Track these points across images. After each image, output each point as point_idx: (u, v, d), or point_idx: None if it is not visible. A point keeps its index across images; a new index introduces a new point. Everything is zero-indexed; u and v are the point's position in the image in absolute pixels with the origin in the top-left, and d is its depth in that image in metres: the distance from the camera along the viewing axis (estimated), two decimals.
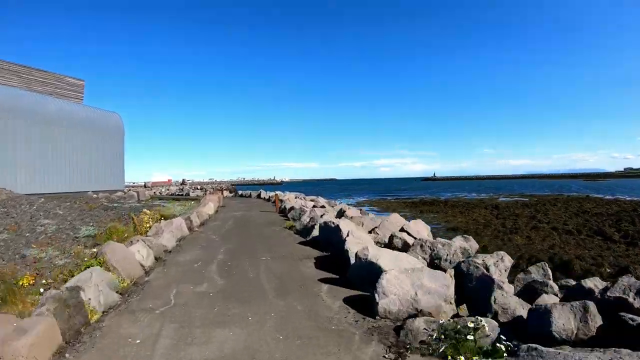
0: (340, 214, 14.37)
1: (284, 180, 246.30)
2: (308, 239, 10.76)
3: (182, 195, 43.80)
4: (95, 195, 25.95)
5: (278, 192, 32.35)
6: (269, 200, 28.97)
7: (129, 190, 35.70)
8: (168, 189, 68.90)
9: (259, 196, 33.27)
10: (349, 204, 28.82)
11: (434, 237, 10.27)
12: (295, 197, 28.05)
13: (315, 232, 10.71)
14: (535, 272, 6.51)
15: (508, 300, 4.84)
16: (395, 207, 40.21)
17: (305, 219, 12.81)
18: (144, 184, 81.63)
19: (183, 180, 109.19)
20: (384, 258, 6.07)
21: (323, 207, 18.07)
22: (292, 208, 16.77)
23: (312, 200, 24.24)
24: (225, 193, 39.46)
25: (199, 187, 76.75)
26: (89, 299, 5.05)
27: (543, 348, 3.10)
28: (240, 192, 38.49)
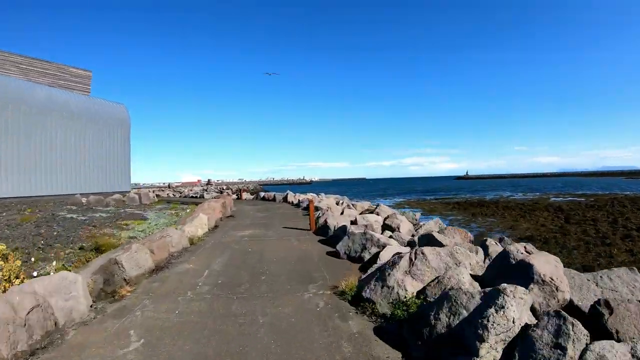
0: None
1: (313, 179, 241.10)
2: None
3: (196, 196, 38.33)
4: (84, 200, 20.49)
5: (311, 195, 25.96)
6: (298, 205, 22.53)
7: (135, 192, 30.32)
8: (191, 189, 64.31)
9: (285, 199, 26.92)
10: (390, 206, 22.94)
11: None
12: (338, 203, 21.62)
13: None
14: None
15: None
16: (439, 208, 35.50)
17: (397, 276, 5.19)
18: (167, 184, 77.69)
19: (209, 180, 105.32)
20: None
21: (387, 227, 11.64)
22: (342, 231, 9.83)
23: (368, 210, 17.75)
24: (245, 195, 33.48)
25: (224, 187, 72.05)
26: None
27: None
28: (262, 194, 32.25)
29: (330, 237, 10.39)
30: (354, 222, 11.93)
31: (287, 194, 27.63)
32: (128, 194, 24.16)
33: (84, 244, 8.76)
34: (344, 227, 9.91)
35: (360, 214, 15.36)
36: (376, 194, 76.27)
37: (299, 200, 24.02)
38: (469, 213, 30.47)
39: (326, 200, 21.77)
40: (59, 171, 23.96)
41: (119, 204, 21.63)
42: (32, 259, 7.29)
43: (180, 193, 52.77)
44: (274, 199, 28.62)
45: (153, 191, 44.95)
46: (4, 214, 12.08)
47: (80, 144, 25.60)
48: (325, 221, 11.58)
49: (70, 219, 12.32)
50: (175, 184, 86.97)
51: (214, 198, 22.16)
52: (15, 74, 25.06)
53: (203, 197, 33.91)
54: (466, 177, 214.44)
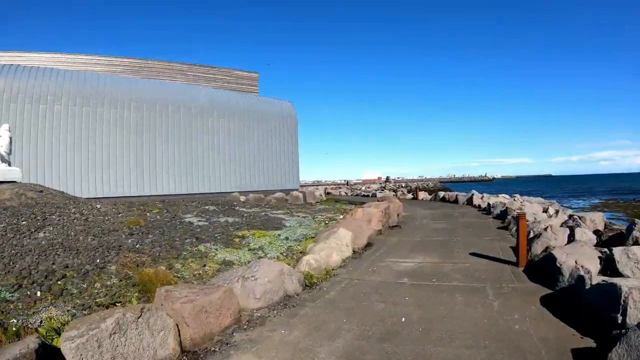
0: None
1: (495, 177, 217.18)
2: None
3: (367, 195, 35.50)
4: (242, 198, 19.64)
5: (506, 198, 19.87)
6: (488, 212, 16.86)
7: (301, 190, 29.28)
8: (368, 187, 62.72)
9: (470, 202, 21.34)
10: None
11: None
12: (546, 210, 15.39)
13: None
14: None
15: None
16: None
17: None
18: (346, 181, 78.71)
19: (387, 177, 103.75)
20: None
21: None
22: (603, 296, 4.21)
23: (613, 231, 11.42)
24: (422, 194, 28.85)
25: (403, 184, 68.48)
26: None
27: None
28: (442, 193, 27.04)
29: (562, 291, 5.34)
30: (607, 260, 6.36)
31: (472, 194, 21.94)
32: (292, 193, 22.60)
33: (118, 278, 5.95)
34: (609, 288, 4.57)
35: (600, 235, 9.34)
36: (576, 196, 61.26)
37: (488, 204, 18.24)
38: None
39: (529, 207, 15.63)
40: (220, 169, 24.16)
41: (280, 202, 20.10)
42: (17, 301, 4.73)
43: (353, 190, 51.46)
44: (455, 201, 23.25)
45: (325, 189, 44.35)
46: (120, 214, 10.71)
47: (243, 142, 25.50)
48: (547, 251, 6.46)
49: (187, 224, 10.26)
50: (354, 181, 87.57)
51: (379, 200, 18.40)
52: (181, 80, 26.59)
53: (375, 196, 30.75)
54: None
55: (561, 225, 9.61)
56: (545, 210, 15.45)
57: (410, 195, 31.04)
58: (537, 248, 7.83)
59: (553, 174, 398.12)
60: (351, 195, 38.93)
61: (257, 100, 28.33)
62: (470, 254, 8.26)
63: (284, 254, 7.89)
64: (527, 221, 8.42)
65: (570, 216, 12.77)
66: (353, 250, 8.33)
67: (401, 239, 10.28)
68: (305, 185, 51.69)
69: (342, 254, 7.57)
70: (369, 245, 9.37)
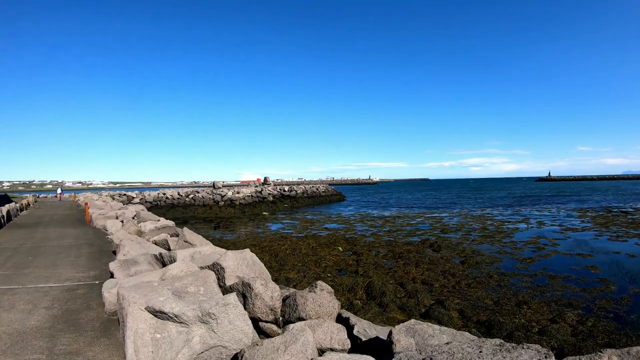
0: None
1: (375, 180, 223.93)
2: None
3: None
4: None
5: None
6: None
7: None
8: (240, 191, 49.98)
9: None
10: None
11: None
12: None
13: None
14: None
15: None
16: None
17: None
18: (212, 183, 65.04)
19: (265, 178, 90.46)
20: None
21: None
22: None
23: None
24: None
25: (286, 188, 56.78)
26: None
27: None
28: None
29: None
30: None
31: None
32: None
33: None
34: None
35: None
36: (464, 199, 58.41)
37: None
38: None
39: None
40: None
41: None
42: None
43: (187, 196, 38.71)
44: None
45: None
46: None
47: None
48: None
49: None
50: (221, 183, 74.07)
51: None
52: None
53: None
54: (549, 179, 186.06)
55: None
56: None
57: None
58: None
59: (430, 178, 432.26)
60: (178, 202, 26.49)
61: None
62: None
63: None
64: None
65: None
66: None
67: None
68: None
69: None
70: None
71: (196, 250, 6.46)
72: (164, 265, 6.23)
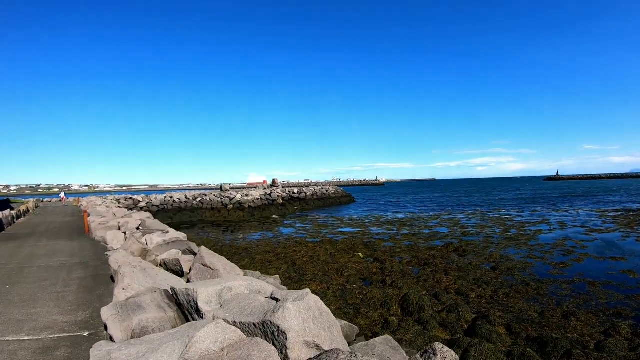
0: None
1: (382, 180, 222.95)
2: None
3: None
4: None
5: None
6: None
7: None
8: (249, 193, 49.47)
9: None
10: None
11: None
12: None
13: None
14: None
15: None
16: None
17: None
18: (220, 186, 64.57)
19: (274, 180, 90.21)
20: None
21: None
22: None
23: None
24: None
25: (295, 190, 56.23)
26: None
27: None
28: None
29: None
30: None
31: None
32: None
33: None
34: None
35: None
36: (479, 199, 57.57)
37: None
38: None
39: None
40: None
41: None
42: None
43: (195, 199, 38.16)
44: None
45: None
46: None
47: None
48: None
49: None
50: (229, 185, 73.69)
51: None
52: None
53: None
54: (557, 178, 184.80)
55: None
56: None
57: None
58: None
59: (436, 178, 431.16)
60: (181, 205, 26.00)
61: None
62: None
63: None
64: None
65: None
66: None
67: None
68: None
69: None
70: None
71: (224, 286, 4.43)
72: (178, 306, 4.61)
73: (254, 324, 3.48)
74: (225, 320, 3.65)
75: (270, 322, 3.33)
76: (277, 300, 3.83)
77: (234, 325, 3.60)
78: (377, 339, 4.24)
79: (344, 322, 5.34)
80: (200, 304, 4.13)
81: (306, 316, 3.48)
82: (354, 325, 5.48)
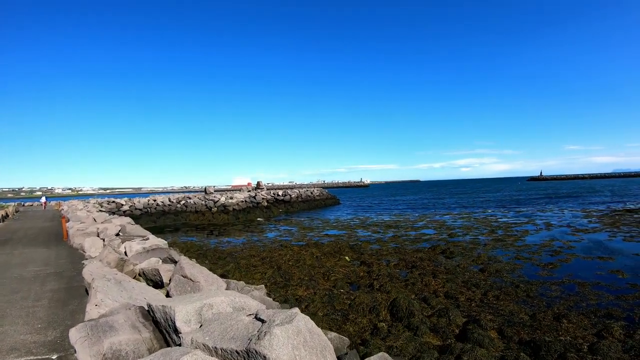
0: None
1: (366, 182, 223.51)
2: None
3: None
4: None
5: None
6: None
7: None
8: (233, 196, 48.79)
9: None
10: None
11: None
12: None
13: None
14: None
15: None
16: None
17: None
18: (204, 189, 63.65)
19: (258, 183, 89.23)
20: None
21: None
22: None
23: None
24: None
25: (280, 192, 55.42)
26: None
27: None
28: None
29: None
30: None
31: None
32: None
33: None
34: None
35: None
36: (457, 200, 58.02)
37: None
38: None
39: None
40: None
41: None
42: None
43: (176, 202, 37.48)
44: None
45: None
46: None
47: None
48: None
49: None
50: (212, 188, 72.57)
51: None
52: None
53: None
54: (541, 178, 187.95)
55: None
56: None
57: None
58: None
59: (421, 179, 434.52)
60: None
61: None
62: None
63: None
64: None
65: None
66: None
67: None
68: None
69: None
70: None
71: (205, 303, 4.06)
72: (155, 324, 4.23)
73: (237, 351, 3.12)
74: (205, 346, 3.32)
75: (256, 351, 2.96)
76: (262, 321, 3.41)
77: (215, 353, 3.26)
78: (372, 358, 3.91)
79: (333, 334, 5.01)
80: (178, 324, 3.71)
81: (296, 342, 3.13)
82: (344, 337, 5.14)
